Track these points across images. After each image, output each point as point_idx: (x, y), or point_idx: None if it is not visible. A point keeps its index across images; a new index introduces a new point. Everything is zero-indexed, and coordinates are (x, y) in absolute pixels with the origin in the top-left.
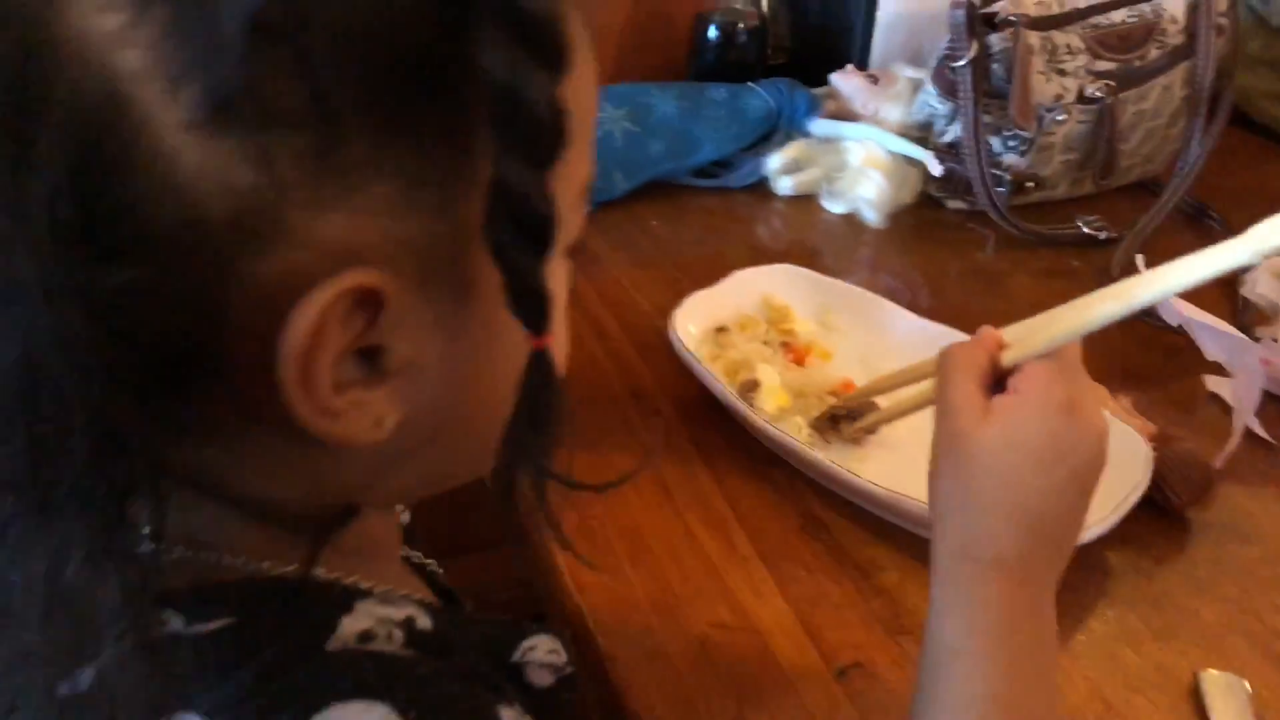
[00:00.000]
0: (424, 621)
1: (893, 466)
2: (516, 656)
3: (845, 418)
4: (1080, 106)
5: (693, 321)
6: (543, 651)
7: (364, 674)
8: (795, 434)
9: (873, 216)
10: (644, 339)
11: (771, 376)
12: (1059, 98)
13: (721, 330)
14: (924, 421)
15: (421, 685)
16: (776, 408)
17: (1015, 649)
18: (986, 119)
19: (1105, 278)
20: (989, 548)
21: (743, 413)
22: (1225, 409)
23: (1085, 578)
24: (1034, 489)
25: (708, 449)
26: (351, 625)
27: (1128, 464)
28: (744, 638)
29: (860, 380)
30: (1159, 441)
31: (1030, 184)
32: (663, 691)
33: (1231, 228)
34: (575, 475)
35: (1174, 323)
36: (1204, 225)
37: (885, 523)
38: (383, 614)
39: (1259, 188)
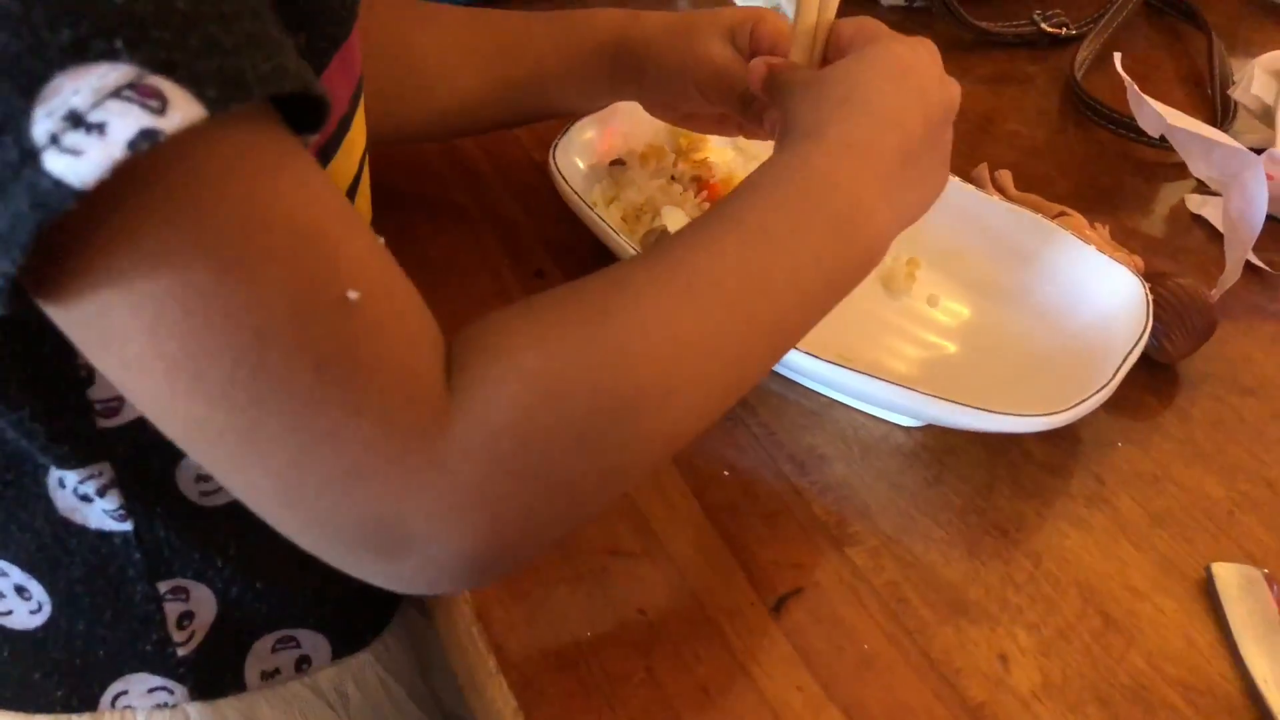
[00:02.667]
0: None
1: (833, 334)
2: None
3: None
4: None
5: (581, 155)
6: None
7: None
8: None
9: (791, 8)
10: (522, 180)
11: (681, 221)
12: None
13: (617, 164)
14: (863, 284)
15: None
16: None
17: (809, 221)
18: None
19: (1065, 83)
20: (822, 127)
21: None
22: (1213, 234)
23: (1067, 451)
24: (882, 91)
25: None
26: None
27: (1119, 308)
28: (652, 567)
29: None
30: (1151, 280)
31: None
32: (544, 649)
33: (1207, 24)
34: None
35: (1154, 133)
36: (1169, 20)
37: (826, 402)
38: None
39: None
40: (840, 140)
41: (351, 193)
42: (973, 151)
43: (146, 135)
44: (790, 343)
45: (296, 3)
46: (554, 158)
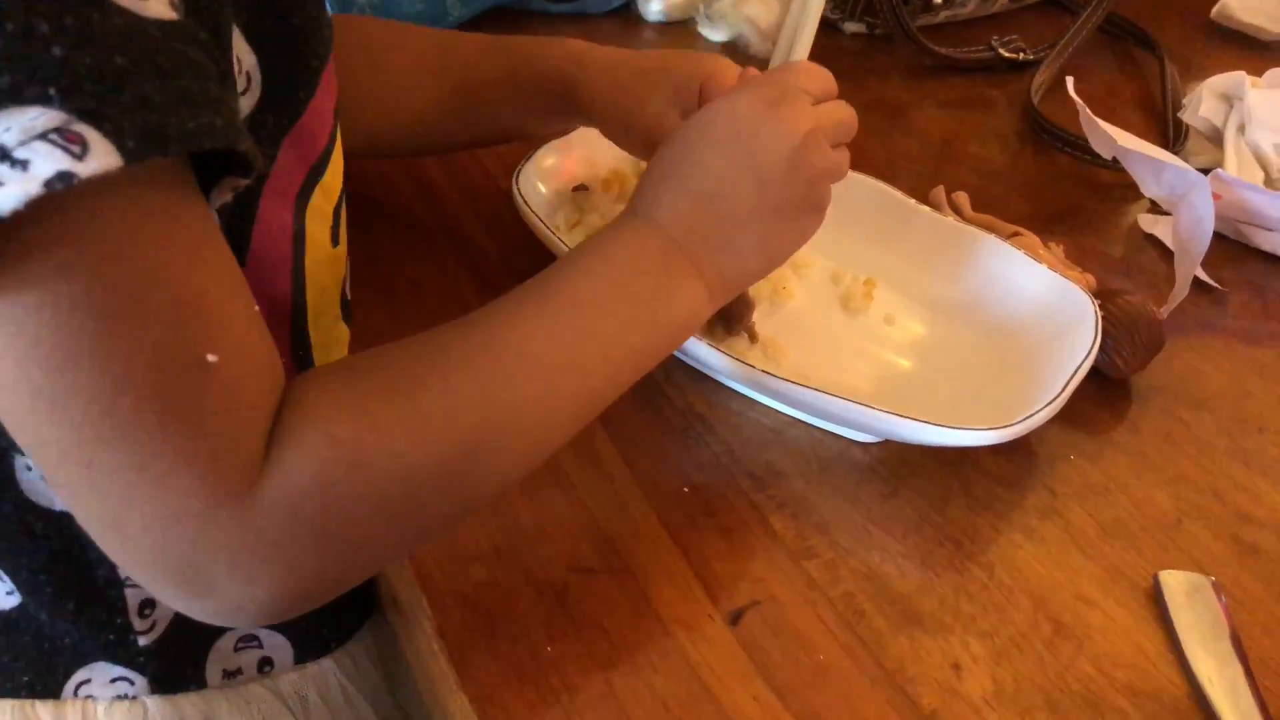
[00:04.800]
0: None
1: (792, 353)
2: None
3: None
4: None
5: (544, 181)
6: None
7: None
8: None
9: (759, 44)
10: (488, 207)
11: None
12: None
13: (581, 189)
14: (821, 305)
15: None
16: None
17: (618, 298)
18: None
19: (1025, 104)
20: (646, 207)
21: None
22: (1164, 253)
23: (1019, 465)
24: (705, 164)
25: None
26: None
27: (1069, 324)
28: (611, 582)
29: None
30: (1102, 297)
31: (938, 0)
32: (505, 664)
33: (1160, 47)
34: None
35: (1106, 155)
36: (1124, 44)
37: (786, 420)
38: None
39: (1186, 6)
40: (655, 220)
41: (339, 210)
42: (932, 174)
43: (63, 177)
44: (596, 409)
45: (291, 22)
46: (517, 183)
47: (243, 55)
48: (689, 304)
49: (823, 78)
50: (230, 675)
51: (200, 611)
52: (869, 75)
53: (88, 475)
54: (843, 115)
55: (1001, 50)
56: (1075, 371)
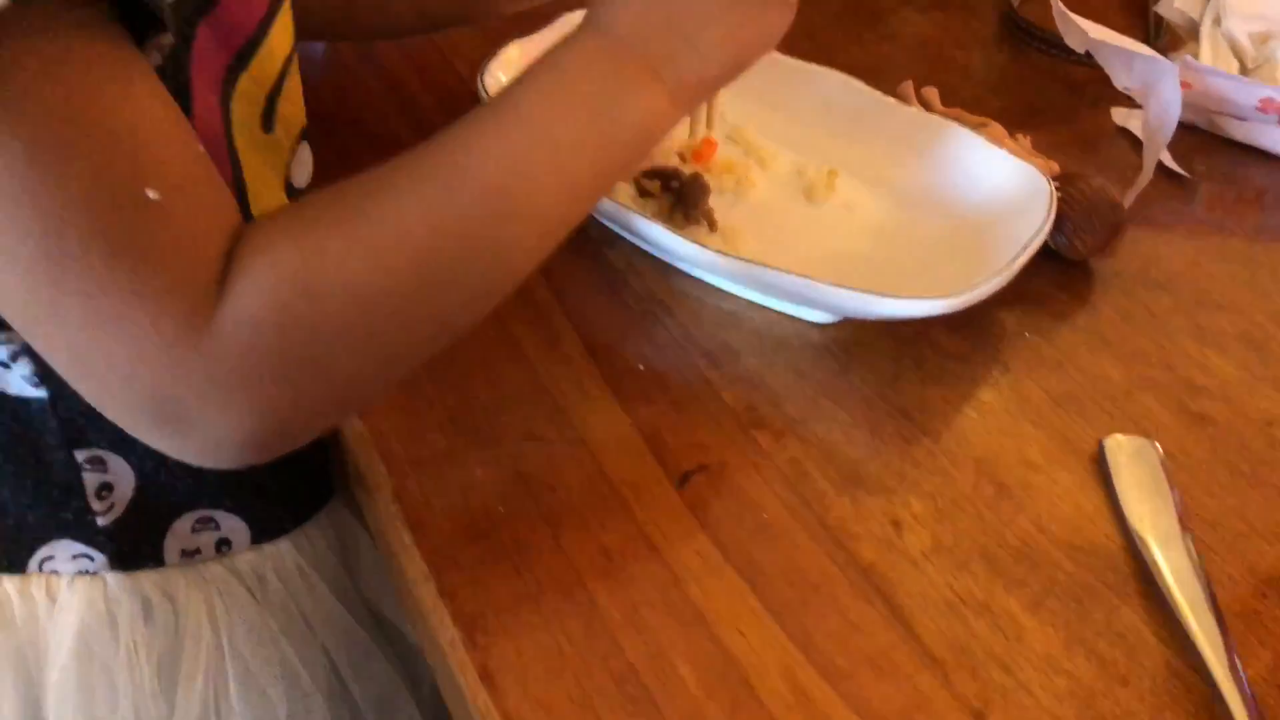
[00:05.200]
0: None
1: (753, 240)
2: None
3: (666, 185)
4: None
5: (510, 74)
6: None
7: None
8: (634, 206)
9: None
10: (459, 109)
11: None
12: None
13: None
14: (785, 195)
15: None
16: None
17: (569, 105)
18: None
19: (1004, 8)
20: (597, 14)
21: None
22: (1136, 145)
23: (974, 342)
24: None
25: None
26: None
27: (1026, 205)
28: (565, 450)
29: (723, 140)
30: (1062, 180)
31: None
32: (458, 523)
33: None
34: None
35: (1079, 49)
36: None
37: (743, 303)
38: None
39: None
40: (606, 26)
41: (274, 96)
42: (907, 75)
43: None
44: (565, 223)
45: None
46: (482, 80)
47: None
48: (646, 106)
49: None
50: (188, 554)
51: (186, 450)
52: None
53: (51, 319)
54: None
55: None
56: (1026, 246)
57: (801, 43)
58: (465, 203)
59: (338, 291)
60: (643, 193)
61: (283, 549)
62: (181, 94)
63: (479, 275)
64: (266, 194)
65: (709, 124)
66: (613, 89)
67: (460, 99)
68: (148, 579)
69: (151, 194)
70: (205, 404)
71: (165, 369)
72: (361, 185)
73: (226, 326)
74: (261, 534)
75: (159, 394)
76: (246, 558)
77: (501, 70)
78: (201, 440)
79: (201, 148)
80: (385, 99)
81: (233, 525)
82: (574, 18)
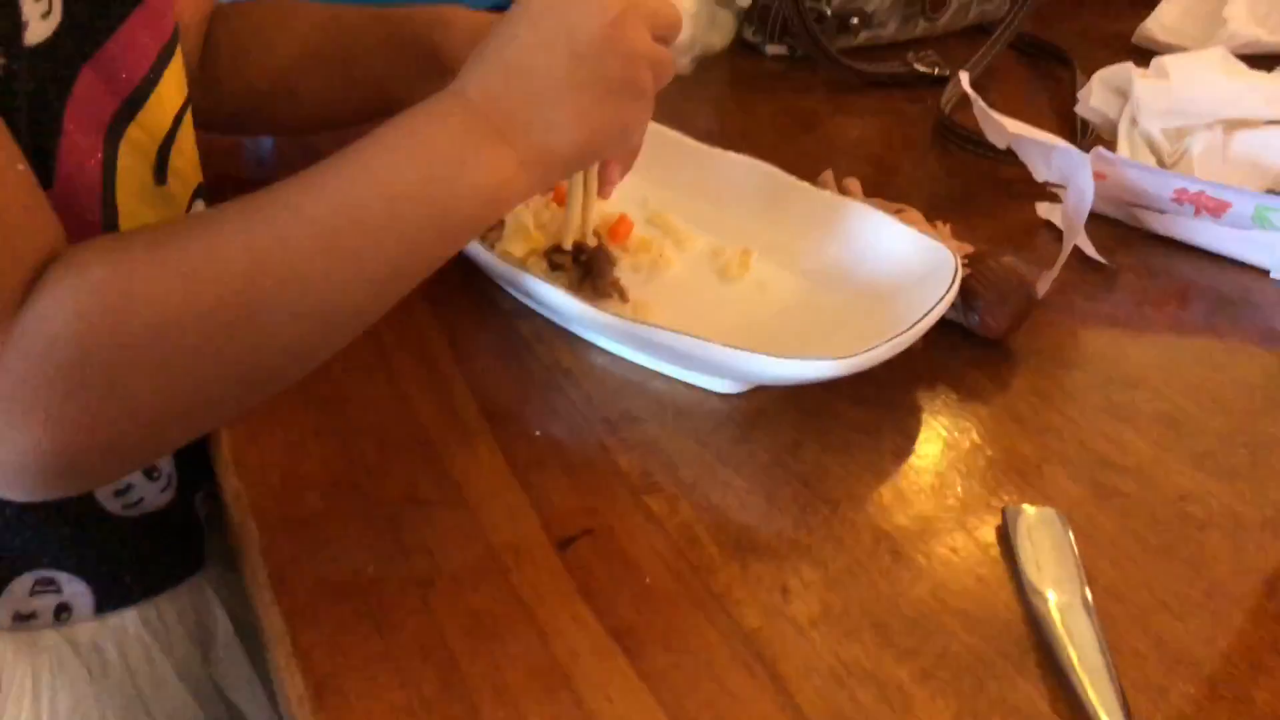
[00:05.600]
0: None
1: (670, 316)
2: None
3: (576, 259)
4: None
5: None
6: None
7: None
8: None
9: (677, 61)
10: None
11: (521, 215)
12: None
13: None
14: (698, 274)
15: None
16: (527, 251)
17: (412, 161)
18: None
19: (936, 117)
20: (458, 84)
21: (480, 257)
22: (1059, 237)
23: (881, 414)
24: (518, 39)
25: (438, 300)
26: None
27: (933, 279)
28: (446, 513)
29: (643, 223)
30: (972, 259)
31: (855, 20)
32: (323, 582)
33: (1079, 66)
34: None
35: (1001, 145)
36: (1046, 65)
37: (648, 373)
38: None
39: (1108, 33)
40: (462, 93)
41: (167, 146)
42: (835, 170)
43: None
44: (402, 278)
45: None
46: None
47: None
48: (492, 168)
49: None
50: (23, 619)
51: None
52: (789, 92)
53: None
54: (659, 5)
55: (917, 65)
56: (927, 313)
57: (736, 143)
58: (292, 240)
59: (142, 310)
60: (554, 266)
61: (127, 619)
62: (46, 133)
63: (301, 318)
64: None
65: (584, 222)
66: (459, 147)
67: None
68: None
69: None
70: None
71: None
72: (191, 217)
73: (27, 339)
74: (106, 602)
75: None
76: (87, 627)
77: None
78: None
79: (23, 166)
80: None
81: (76, 590)
82: None
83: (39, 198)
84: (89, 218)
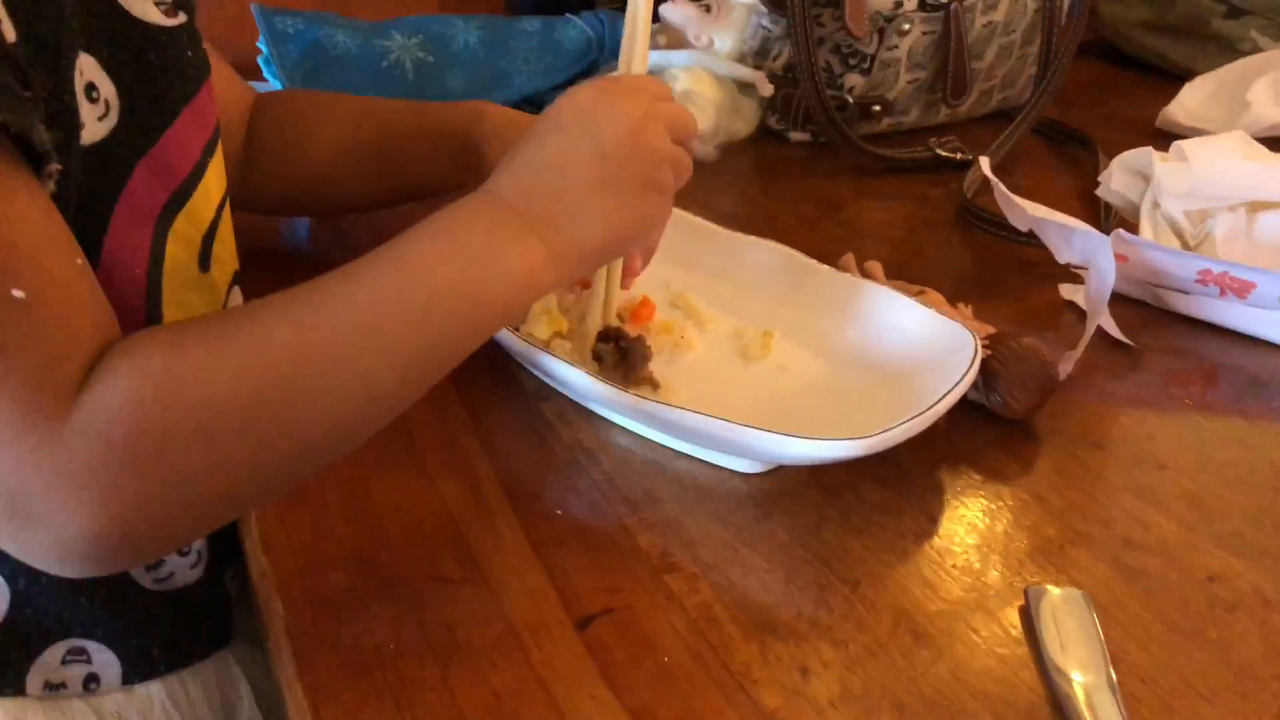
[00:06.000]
0: None
1: (690, 398)
2: None
3: (617, 346)
4: (923, 15)
5: None
6: None
7: None
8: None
9: (701, 148)
10: None
11: (545, 299)
12: (899, 4)
13: None
14: (721, 355)
15: None
16: (551, 333)
17: (446, 254)
18: (821, 32)
19: (959, 201)
20: (490, 184)
21: (505, 339)
22: (1083, 318)
23: (904, 495)
24: (547, 144)
25: (462, 380)
26: None
27: (953, 360)
28: (468, 591)
29: (666, 306)
30: (993, 340)
31: (877, 108)
32: (345, 659)
33: (1101, 150)
34: None
35: (1023, 228)
36: (1069, 149)
37: (670, 453)
38: None
39: (1132, 118)
40: (494, 192)
41: (210, 236)
42: (857, 254)
43: None
44: (437, 364)
45: (148, 58)
46: None
47: (100, 84)
48: (522, 260)
49: (657, 85)
50: (52, 688)
51: (33, 547)
52: (813, 178)
53: None
54: (678, 112)
55: (939, 150)
56: (946, 394)
57: (760, 227)
58: (332, 330)
59: (194, 397)
60: (597, 357)
61: (153, 692)
62: (95, 223)
63: (340, 401)
64: None
65: (607, 308)
66: (492, 242)
67: None
68: (1, 708)
69: (17, 294)
70: (50, 497)
71: (15, 459)
72: (241, 308)
73: (83, 421)
74: (134, 673)
75: (6, 484)
76: (114, 698)
77: None
78: (48, 538)
79: (82, 260)
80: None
81: (105, 660)
82: None
83: (97, 290)
84: (133, 304)
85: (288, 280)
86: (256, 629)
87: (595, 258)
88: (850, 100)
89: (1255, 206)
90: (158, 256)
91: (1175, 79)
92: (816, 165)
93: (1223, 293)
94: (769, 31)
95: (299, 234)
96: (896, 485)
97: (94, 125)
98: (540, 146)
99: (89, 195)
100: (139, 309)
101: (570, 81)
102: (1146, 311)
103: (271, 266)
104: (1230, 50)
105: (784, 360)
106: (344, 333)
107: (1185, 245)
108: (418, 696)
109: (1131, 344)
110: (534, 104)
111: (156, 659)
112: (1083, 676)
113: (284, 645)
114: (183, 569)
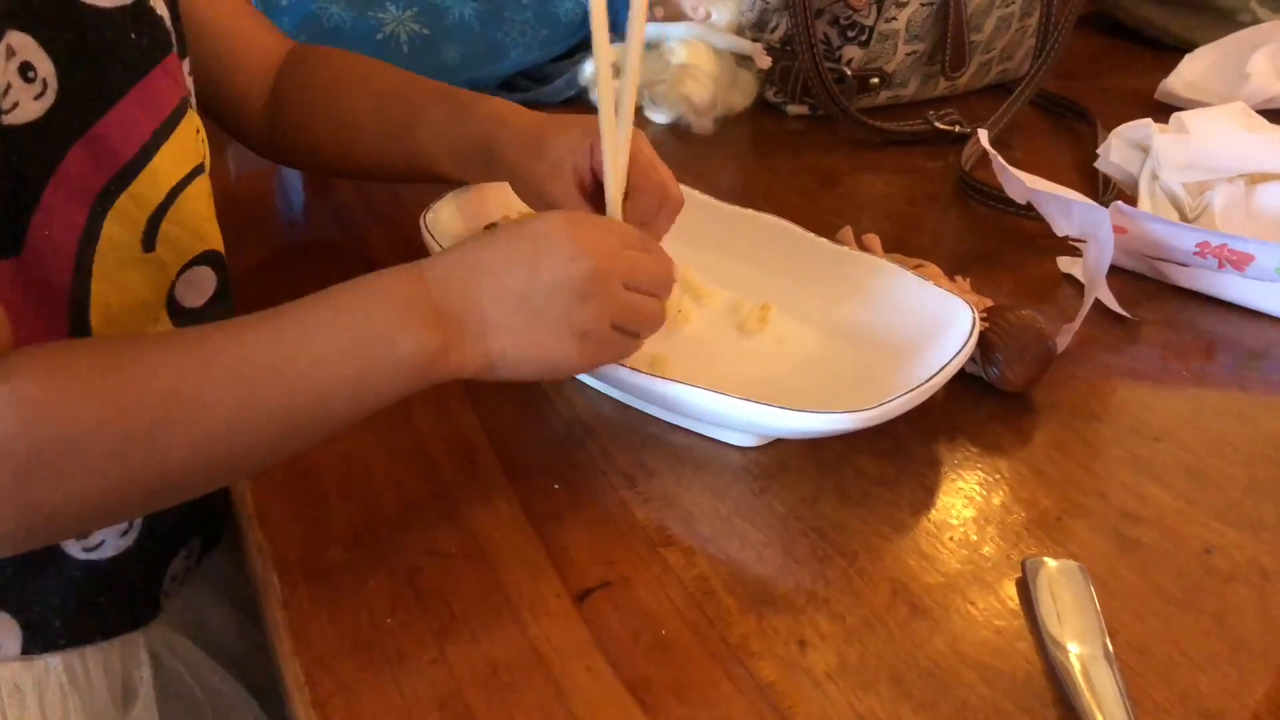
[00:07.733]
0: None
1: (686, 370)
2: None
3: None
4: None
5: (456, 217)
6: None
7: None
8: None
9: (699, 122)
10: (412, 254)
11: None
12: None
13: (493, 227)
14: (718, 329)
15: None
16: None
17: (343, 327)
18: (818, 3)
19: (957, 174)
20: (427, 262)
21: None
22: (1079, 290)
23: (901, 468)
24: (495, 245)
25: None
26: None
27: (950, 333)
28: (465, 565)
29: None
30: (990, 313)
31: (875, 80)
32: (342, 633)
33: (1100, 123)
34: None
35: (1021, 200)
36: (1068, 121)
37: (667, 426)
38: None
39: (1131, 90)
40: (420, 272)
41: (158, 216)
42: (855, 226)
43: None
44: (312, 429)
45: (88, 40)
46: (425, 220)
47: (39, 63)
48: (418, 349)
49: (636, 235)
50: None
51: None
52: (811, 151)
53: None
54: (653, 266)
55: (937, 123)
56: (943, 367)
57: (757, 201)
58: (211, 382)
59: (63, 430)
60: None
61: (51, 665)
62: (24, 199)
63: (209, 448)
64: (139, 312)
65: None
66: (392, 323)
67: (413, 248)
68: None
69: None
70: None
71: None
72: (133, 341)
73: None
74: (33, 644)
75: None
76: (12, 666)
77: (451, 216)
78: None
79: None
80: (325, 213)
81: (6, 626)
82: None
83: None
84: (58, 280)
85: (275, 259)
86: (193, 614)
87: (513, 374)
88: (848, 73)
89: (1254, 179)
90: (91, 235)
91: (1174, 51)
92: (814, 138)
93: (1221, 265)
94: (766, 4)
95: (293, 206)
96: (894, 458)
97: (29, 104)
98: (486, 245)
99: (18, 174)
100: (65, 285)
101: (567, 54)
102: (1145, 284)
103: (264, 241)
104: (1230, 22)
105: (781, 333)
106: (222, 388)
107: (1184, 217)
108: (415, 670)
109: (1129, 316)
110: (530, 77)
111: (59, 631)
112: (1079, 648)
113: (280, 619)
114: (112, 536)
